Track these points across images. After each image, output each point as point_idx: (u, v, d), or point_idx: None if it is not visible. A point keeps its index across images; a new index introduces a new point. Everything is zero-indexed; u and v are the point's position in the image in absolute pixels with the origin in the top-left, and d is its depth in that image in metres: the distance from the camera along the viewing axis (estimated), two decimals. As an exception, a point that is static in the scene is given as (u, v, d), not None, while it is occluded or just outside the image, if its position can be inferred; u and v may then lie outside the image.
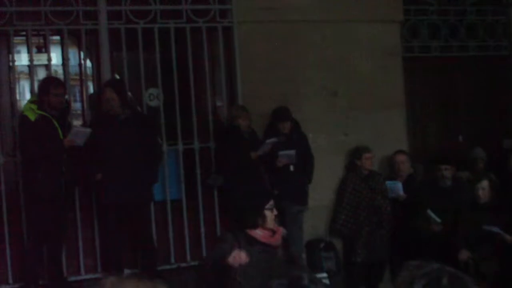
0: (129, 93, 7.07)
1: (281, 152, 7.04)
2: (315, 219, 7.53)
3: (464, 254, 6.44)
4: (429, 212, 6.90)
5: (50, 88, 6.34)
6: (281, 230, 4.89)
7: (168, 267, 6.53)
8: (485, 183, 6.61)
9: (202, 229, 7.19)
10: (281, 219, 7.19)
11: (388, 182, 7.42)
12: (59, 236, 6.57)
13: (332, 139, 7.68)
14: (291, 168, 7.16)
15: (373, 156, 7.53)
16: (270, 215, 4.69)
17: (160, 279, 2.15)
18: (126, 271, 6.66)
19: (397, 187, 7.34)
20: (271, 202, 4.74)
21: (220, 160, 7.17)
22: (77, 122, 7.98)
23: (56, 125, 6.30)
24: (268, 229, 4.71)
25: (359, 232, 7.29)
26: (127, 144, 6.43)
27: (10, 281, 6.75)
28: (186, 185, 7.23)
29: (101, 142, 6.42)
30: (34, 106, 6.30)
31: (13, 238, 6.73)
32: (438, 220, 6.88)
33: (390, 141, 7.84)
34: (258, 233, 4.69)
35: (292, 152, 7.07)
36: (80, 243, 6.94)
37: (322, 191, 7.53)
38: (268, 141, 7.01)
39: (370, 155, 7.49)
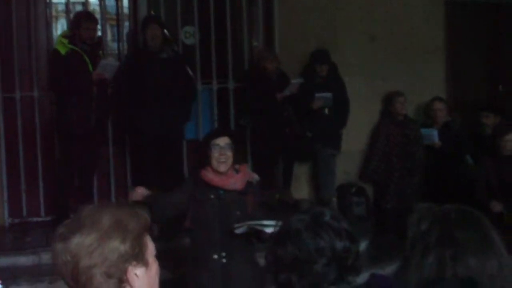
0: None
1: (317, 95, 6.94)
2: (348, 163, 7.47)
3: (497, 206, 6.21)
4: (468, 157, 6.77)
5: (81, 22, 6.30)
6: (245, 175, 4.33)
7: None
8: None
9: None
10: (313, 162, 7.26)
11: (423, 130, 7.28)
12: (91, 171, 6.62)
13: (369, 84, 7.55)
14: (326, 111, 7.06)
15: (405, 100, 7.37)
16: (214, 155, 4.17)
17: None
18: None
19: (433, 135, 7.19)
20: (223, 139, 4.19)
21: (247, 101, 7.09)
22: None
23: (87, 59, 6.26)
24: (217, 171, 4.21)
25: (389, 178, 7.21)
26: (164, 82, 6.40)
27: (42, 214, 6.86)
28: (219, 125, 7.19)
29: (138, 77, 6.39)
30: (65, 40, 6.28)
31: (45, 172, 6.81)
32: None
33: (428, 87, 7.68)
34: (207, 175, 4.23)
35: (329, 95, 6.97)
36: (112, 179, 6.99)
37: (356, 135, 7.44)
38: (293, 81, 6.87)
39: (402, 99, 7.35)
